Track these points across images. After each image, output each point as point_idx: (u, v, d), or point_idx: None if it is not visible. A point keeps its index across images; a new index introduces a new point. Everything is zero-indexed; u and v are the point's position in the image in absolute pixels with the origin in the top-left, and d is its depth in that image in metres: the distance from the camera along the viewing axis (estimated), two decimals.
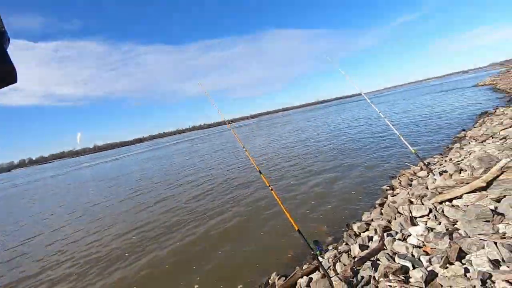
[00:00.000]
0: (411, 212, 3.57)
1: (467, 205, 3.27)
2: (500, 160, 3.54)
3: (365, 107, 39.37)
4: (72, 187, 19.01)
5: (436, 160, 6.17)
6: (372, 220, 4.22)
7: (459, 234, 2.77)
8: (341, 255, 3.42)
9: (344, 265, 3.17)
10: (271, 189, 2.80)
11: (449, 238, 2.70)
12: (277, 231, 5.08)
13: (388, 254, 2.81)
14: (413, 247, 2.79)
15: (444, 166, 4.80)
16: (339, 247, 3.83)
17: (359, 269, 2.82)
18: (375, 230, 3.70)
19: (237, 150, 18.60)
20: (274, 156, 13.03)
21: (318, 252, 2.88)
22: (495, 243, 2.28)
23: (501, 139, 5.59)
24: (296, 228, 2.61)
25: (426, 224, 3.28)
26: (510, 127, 6.20)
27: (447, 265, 2.32)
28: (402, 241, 3.01)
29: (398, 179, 5.66)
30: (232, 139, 30.25)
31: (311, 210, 5.77)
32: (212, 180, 10.57)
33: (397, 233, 3.31)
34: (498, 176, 3.30)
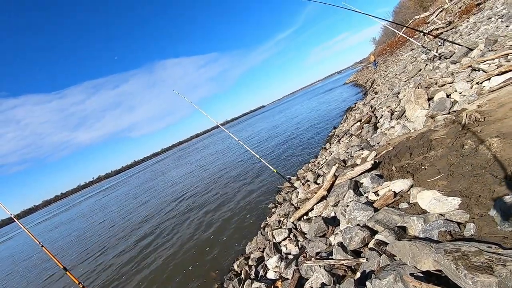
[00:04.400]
0: (274, 237, 3.57)
1: (318, 216, 3.46)
2: (334, 165, 3.95)
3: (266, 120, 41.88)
4: None
5: (309, 165, 6.71)
6: (251, 252, 4.09)
7: (304, 256, 2.82)
8: None
9: None
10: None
11: (295, 265, 2.70)
12: None
13: None
14: (266, 286, 2.69)
15: (306, 175, 5.17)
16: None
17: None
18: (248, 267, 3.55)
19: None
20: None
21: None
22: (319, 266, 2.33)
23: (350, 136, 6.48)
24: None
25: (286, 248, 3.30)
26: (356, 122, 7.27)
27: None
28: (259, 280, 2.90)
29: (280, 194, 5.86)
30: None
31: (206, 248, 5.40)
32: None
33: (262, 267, 3.22)
34: (333, 182, 3.62)
